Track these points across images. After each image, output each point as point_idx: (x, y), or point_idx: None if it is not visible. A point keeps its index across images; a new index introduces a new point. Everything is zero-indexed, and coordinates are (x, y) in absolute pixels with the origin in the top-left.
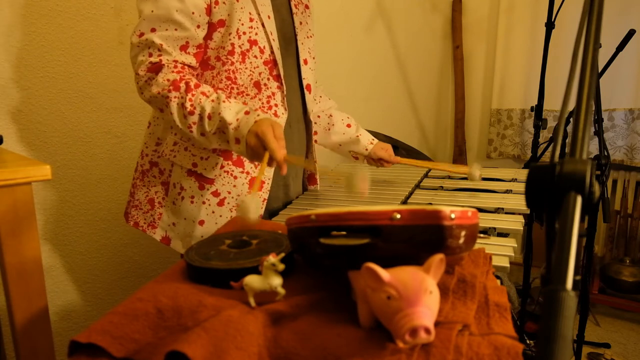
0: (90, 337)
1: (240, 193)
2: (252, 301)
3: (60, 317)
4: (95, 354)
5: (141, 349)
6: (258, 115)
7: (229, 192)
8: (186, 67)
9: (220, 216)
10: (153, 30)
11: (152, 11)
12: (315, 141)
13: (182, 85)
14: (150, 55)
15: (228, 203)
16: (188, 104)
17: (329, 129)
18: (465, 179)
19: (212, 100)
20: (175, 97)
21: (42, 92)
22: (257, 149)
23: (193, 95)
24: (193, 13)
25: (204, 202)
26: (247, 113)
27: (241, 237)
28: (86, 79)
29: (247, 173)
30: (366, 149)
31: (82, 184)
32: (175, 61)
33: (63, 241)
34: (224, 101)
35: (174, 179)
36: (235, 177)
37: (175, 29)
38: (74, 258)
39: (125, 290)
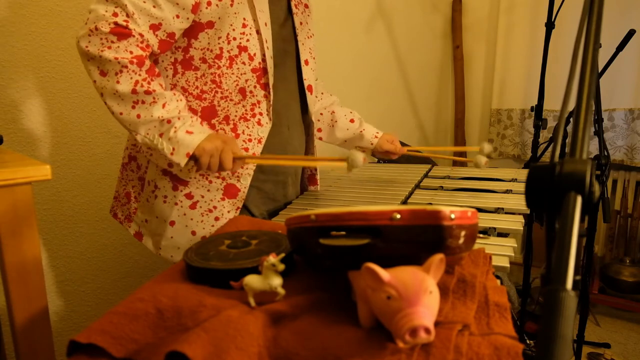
0: (90, 337)
1: (214, 198)
2: (252, 301)
3: (60, 317)
4: (95, 354)
5: (141, 349)
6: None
7: (202, 196)
8: (150, 47)
9: (192, 219)
10: None
11: None
12: (320, 138)
13: (147, 64)
14: (116, 15)
15: (200, 207)
16: (145, 84)
17: (333, 126)
18: (466, 178)
19: (174, 94)
20: (134, 71)
21: (42, 92)
22: (215, 151)
23: (153, 80)
24: (177, 4)
25: (176, 204)
26: (202, 123)
27: (241, 237)
28: (86, 79)
29: (223, 179)
30: (371, 143)
31: (82, 184)
32: (142, 35)
33: (63, 241)
34: (185, 106)
35: (149, 176)
36: (210, 182)
37: (154, 6)
38: (74, 258)
39: (125, 290)
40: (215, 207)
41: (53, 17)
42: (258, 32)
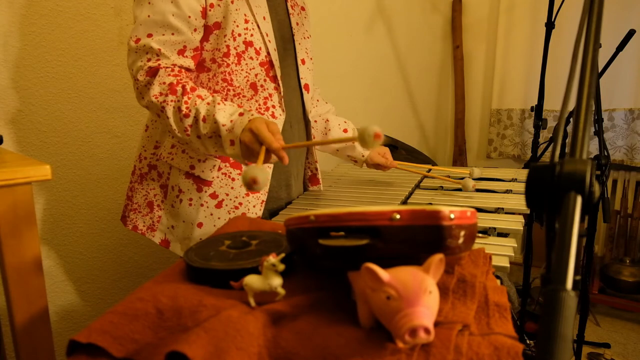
0: (90, 337)
1: (238, 195)
2: (252, 301)
3: (60, 317)
4: (95, 354)
5: (141, 349)
6: (252, 115)
7: (227, 194)
8: (184, 70)
9: (219, 218)
10: (150, 35)
11: (149, 16)
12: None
13: (179, 88)
14: (149, 60)
15: (226, 205)
16: (184, 107)
17: (326, 134)
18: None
19: (208, 103)
20: (172, 100)
21: (42, 92)
22: (251, 145)
23: (189, 98)
24: (189, 17)
25: (202, 205)
26: (241, 114)
27: (241, 237)
28: (86, 79)
29: None
30: (362, 155)
31: (82, 184)
32: (174, 65)
33: (63, 241)
34: (218, 103)
35: (172, 181)
36: (233, 179)
37: (172, 34)
38: (73, 258)
39: (125, 290)
40: (240, 204)
41: (53, 17)
42: (258, 26)
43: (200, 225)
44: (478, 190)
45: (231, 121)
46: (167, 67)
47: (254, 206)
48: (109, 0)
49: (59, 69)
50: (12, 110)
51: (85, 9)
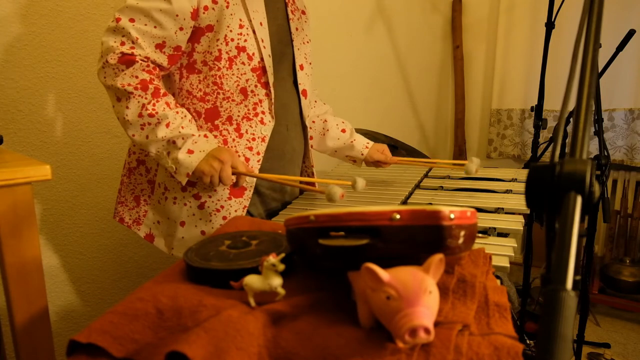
0: (90, 337)
1: (220, 198)
2: (252, 301)
3: (60, 317)
4: (95, 354)
5: (141, 349)
6: (219, 142)
7: (210, 197)
8: (157, 67)
9: (200, 219)
10: (132, 20)
11: (137, 3)
12: (311, 146)
13: (151, 87)
14: (123, 44)
15: (208, 207)
16: (150, 107)
17: (324, 134)
18: (466, 178)
19: (177, 112)
20: (139, 95)
21: (42, 92)
22: (226, 165)
23: (158, 101)
24: (177, 15)
25: (185, 204)
26: (206, 136)
27: (241, 237)
28: (86, 79)
29: None
30: (362, 154)
31: (82, 184)
32: (147, 58)
33: (63, 241)
34: (190, 120)
35: (159, 178)
36: None
37: (155, 27)
38: (73, 258)
39: (125, 290)
40: (222, 207)
41: (53, 17)
42: (254, 32)
43: (182, 224)
44: (478, 190)
45: (199, 135)
46: (142, 61)
47: (235, 210)
48: (109, 0)
49: (59, 69)
50: (12, 110)
51: (85, 9)
